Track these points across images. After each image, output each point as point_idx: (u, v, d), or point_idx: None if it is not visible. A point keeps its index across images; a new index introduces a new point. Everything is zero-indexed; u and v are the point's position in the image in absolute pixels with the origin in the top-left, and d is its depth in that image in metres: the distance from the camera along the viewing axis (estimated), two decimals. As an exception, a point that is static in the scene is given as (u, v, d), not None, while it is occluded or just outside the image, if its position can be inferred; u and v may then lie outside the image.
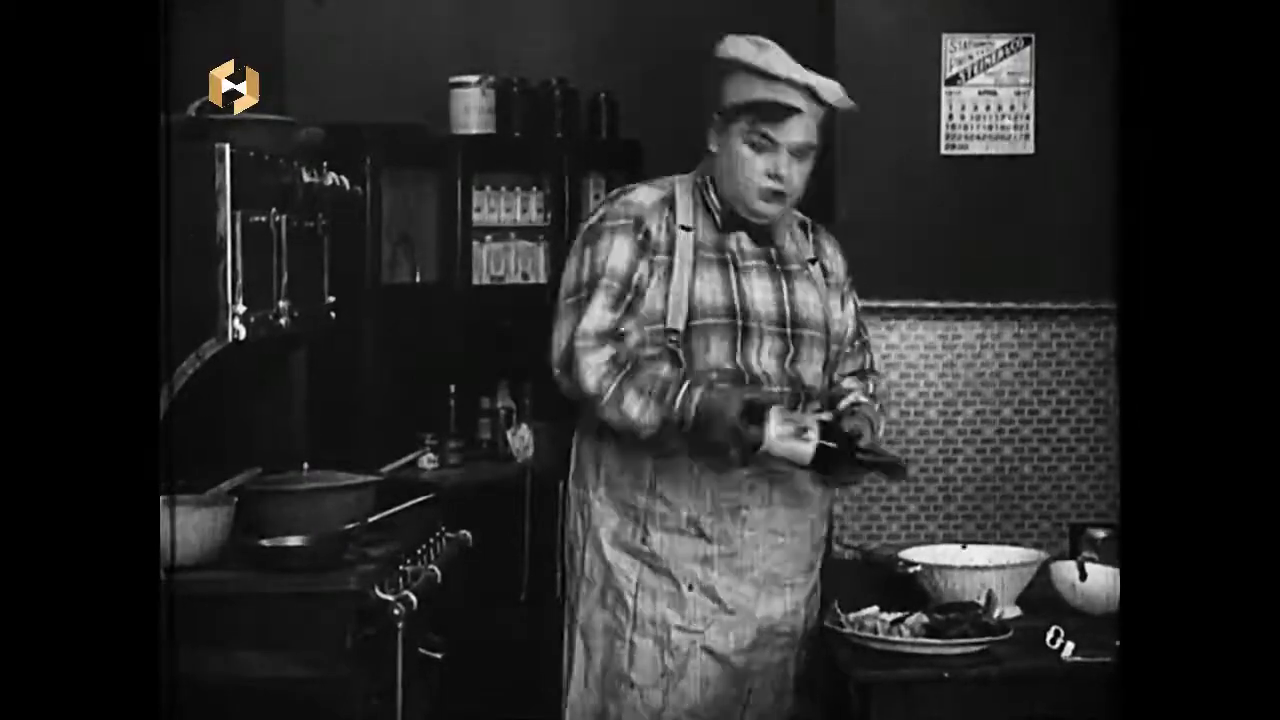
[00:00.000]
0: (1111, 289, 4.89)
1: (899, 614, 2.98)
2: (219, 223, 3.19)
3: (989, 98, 5.04)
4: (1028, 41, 5.04)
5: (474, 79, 5.59)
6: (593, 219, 3.15)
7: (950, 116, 5.04)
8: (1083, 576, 3.12)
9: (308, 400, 3.92)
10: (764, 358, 3.10)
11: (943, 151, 5.03)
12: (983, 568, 3.13)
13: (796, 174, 3.10)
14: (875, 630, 2.93)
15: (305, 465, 3.72)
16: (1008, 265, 5.02)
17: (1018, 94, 5.04)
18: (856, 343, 3.32)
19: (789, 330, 3.14)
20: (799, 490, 3.14)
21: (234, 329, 3.20)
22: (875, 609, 3.01)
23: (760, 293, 3.12)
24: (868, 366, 3.34)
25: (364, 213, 5.22)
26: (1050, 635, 2.88)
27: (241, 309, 3.21)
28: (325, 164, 3.79)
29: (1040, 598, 3.14)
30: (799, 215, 3.27)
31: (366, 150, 5.24)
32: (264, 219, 3.33)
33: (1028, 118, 5.04)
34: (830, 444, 2.96)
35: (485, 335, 5.46)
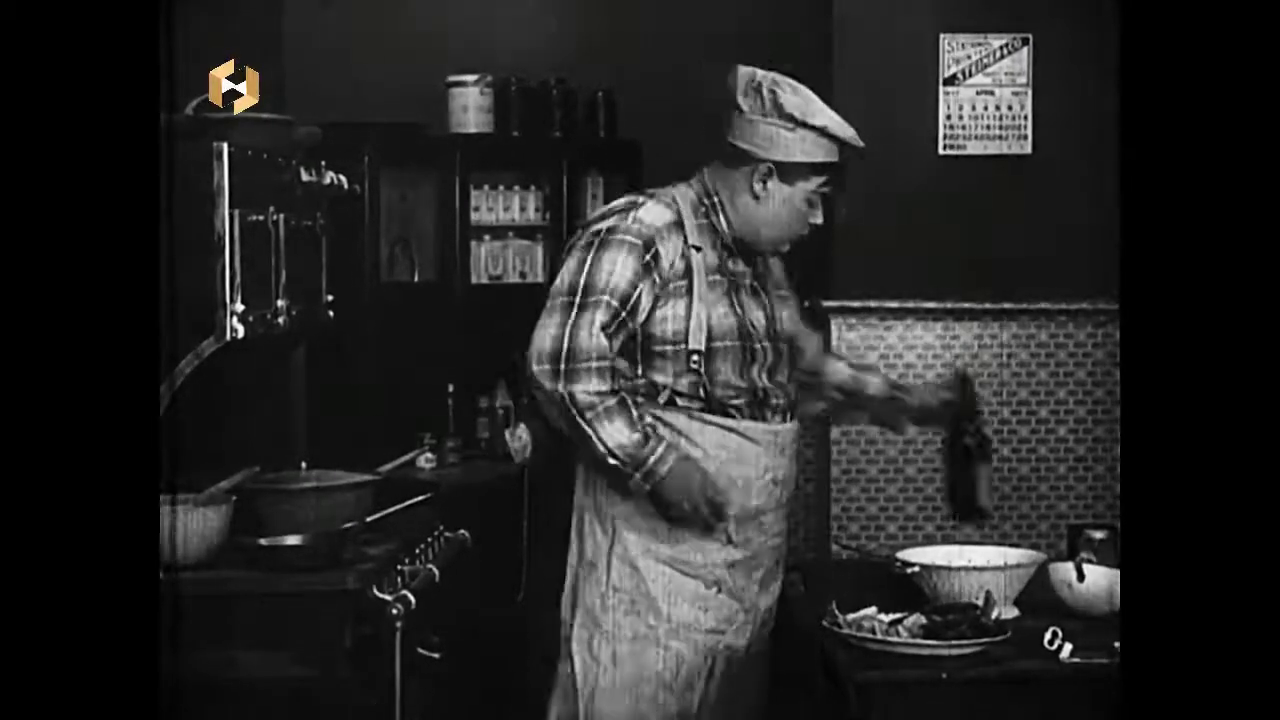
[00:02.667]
0: (1110, 289, 4.90)
1: (897, 615, 2.98)
2: (217, 221, 3.18)
3: (987, 98, 5.04)
4: (1025, 41, 5.04)
5: (472, 78, 5.59)
6: (602, 225, 3.16)
7: (948, 117, 5.04)
8: (1080, 577, 3.12)
9: (306, 399, 3.92)
10: (762, 374, 3.22)
11: (940, 151, 5.03)
12: (981, 569, 3.14)
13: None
14: (873, 631, 2.93)
15: (303, 464, 3.72)
16: (1005, 266, 5.03)
17: (1015, 94, 5.04)
18: (803, 333, 3.44)
19: (776, 345, 3.26)
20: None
21: (232, 328, 3.20)
22: (873, 610, 3.01)
23: (754, 311, 3.24)
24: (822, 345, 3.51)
25: (362, 212, 5.22)
26: (1048, 636, 2.88)
27: (240, 308, 3.21)
28: (323, 163, 3.78)
29: (1038, 599, 3.14)
30: None
31: (365, 149, 5.24)
32: (262, 218, 3.33)
33: (1025, 118, 5.04)
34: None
35: (483, 334, 5.45)
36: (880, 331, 5.03)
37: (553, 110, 5.75)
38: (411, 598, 3.20)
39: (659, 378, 3.15)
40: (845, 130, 3.19)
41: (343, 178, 3.84)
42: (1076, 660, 2.83)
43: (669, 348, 3.13)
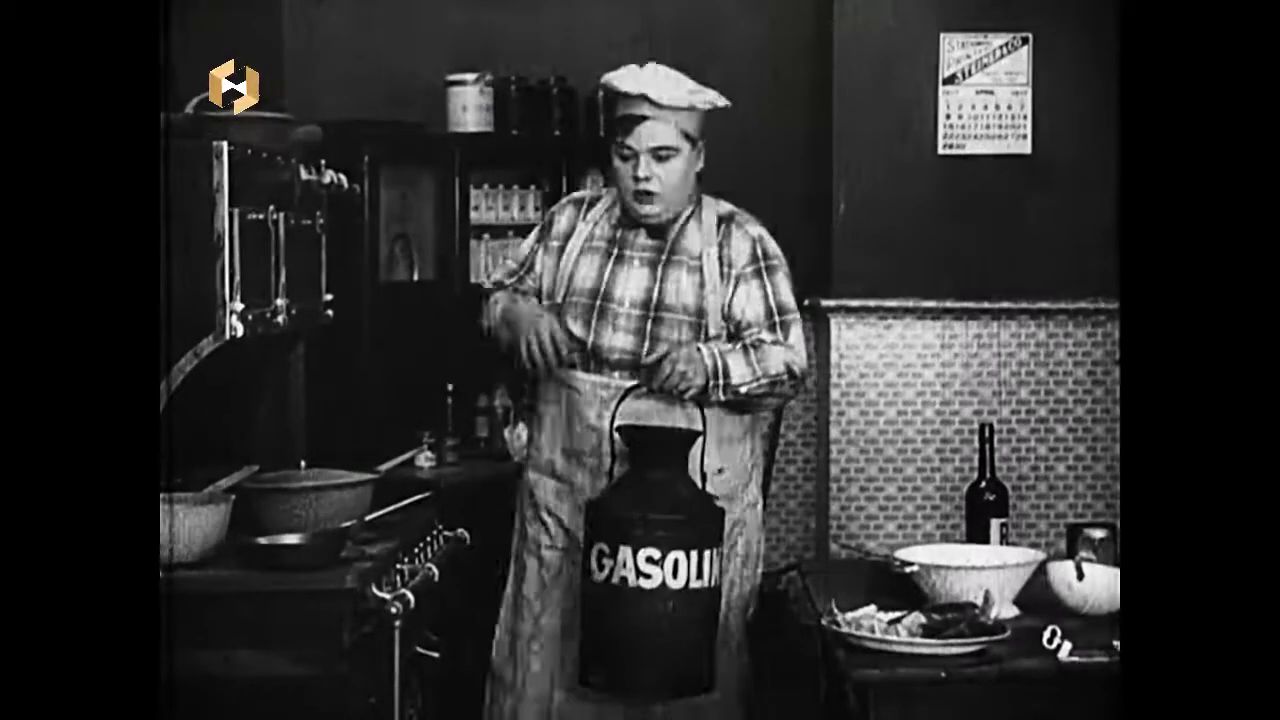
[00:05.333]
0: (1109, 289, 4.91)
1: (896, 614, 2.98)
2: (217, 220, 3.18)
3: (986, 97, 5.05)
4: (1025, 41, 5.04)
5: (471, 77, 5.59)
6: None
7: (948, 116, 5.05)
8: (1080, 576, 3.12)
9: (305, 398, 3.91)
10: (617, 335, 3.49)
11: (940, 151, 5.04)
12: (980, 568, 3.13)
13: (663, 173, 3.47)
14: (872, 630, 2.93)
15: (302, 463, 3.71)
16: (1005, 265, 5.03)
17: (1015, 93, 5.05)
18: (768, 324, 3.51)
19: (651, 314, 3.48)
20: None
21: (231, 326, 3.20)
22: (872, 609, 3.01)
23: (632, 280, 3.51)
24: (775, 339, 3.51)
25: (362, 211, 5.22)
26: (1047, 635, 2.88)
27: (239, 306, 3.21)
28: (323, 162, 3.78)
29: (1037, 598, 3.14)
30: (724, 208, 3.60)
31: (364, 148, 5.23)
32: (262, 217, 3.33)
33: (1025, 117, 5.05)
34: None
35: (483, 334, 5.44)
36: (880, 331, 5.04)
37: (552, 109, 5.75)
38: (410, 597, 3.19)
39: None
40: (614, 80, 3.49)
41: (342, 177, 3.84)
42: (1076, 659, 2.83)
43: (543, 299, 3.58)
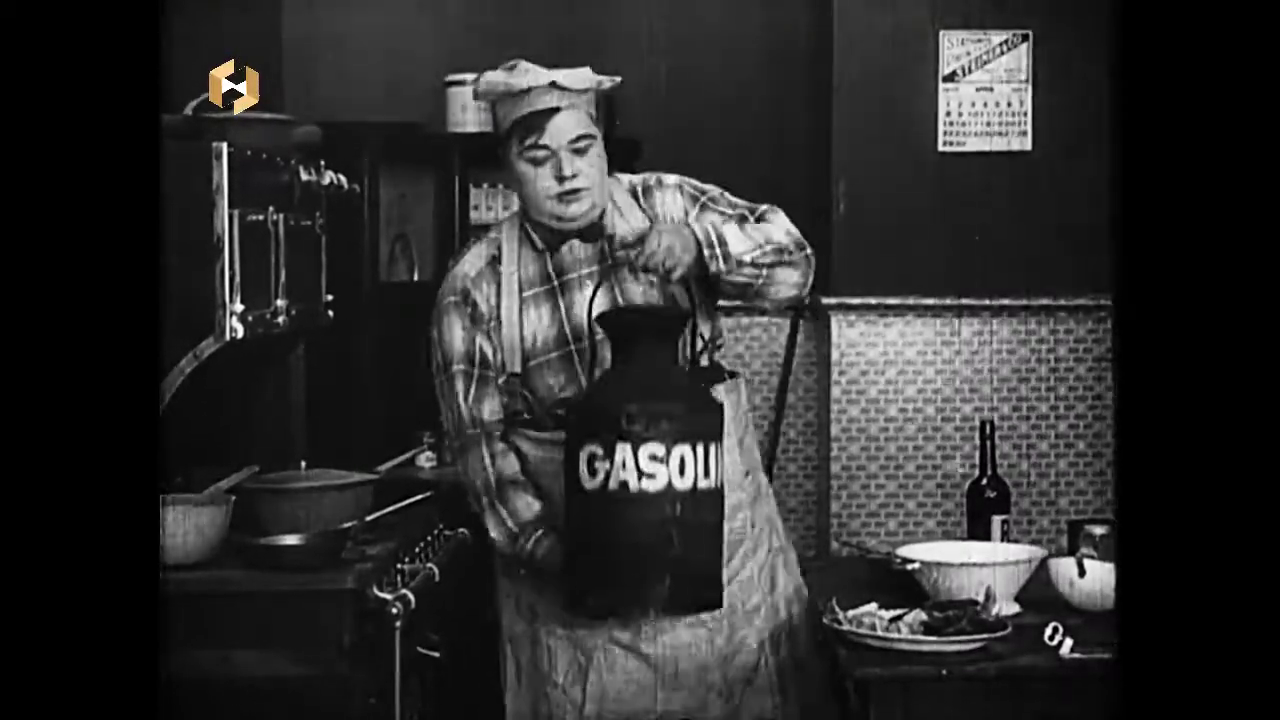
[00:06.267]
0: (1109, 284, 4.91)
1: (897, 611, 2.98)
2: (216, 221, 3.19)
3: (986, 94, 5.04)
4: (1025, 38, 5.04)
5: (471, 77, 5.54)
6: (440, 290, 3.21)
7: (948, 113, 5.04)
8: (1081, 573, 3.12)
9: (305, 399, 3.92)
10: (599, 370, 3.06)
11: (940, 148, 5.04)
12: (981, 565, 3.13)
13: (586, 166, 3.09)
14: (873, 628, 2.93)
15: (303, 464, 3.72)
16: (1005, 262, 5.03)
17: (1015, 90, 5.05)
18: (750, 212, 3.18)
19: None
20: None
21: (231, 327, 3.20)
22: (873, 606, 3.01)
23: (594, 303, 3.06)
24: (764, 213, 3.18)
25: (361, 211, 5.22)
26: (1049, 632, 2.88)
27: (239, 308, 3.21)
28: (323, 163, 3.79)
29: (1039, 595, 3.14)
30: (627, 181, 3.24)
31: (364, 149, 5.23)
32: (261, 218, 3.33)
33: (1025, 114, 5.04)
34: None
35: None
36: (880, 328, 5.04)
37: (552, 109, 5.74)
38: (411, 597, 3.20)
39: (501, 403, 3.14)
40: (506, 80, 3.08)
41: (342, 177, 3.84)
42: (1077, 656, 2.83)
43: (500, 375, 3.12)
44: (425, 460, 5.08)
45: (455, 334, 3.15)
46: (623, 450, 2.79)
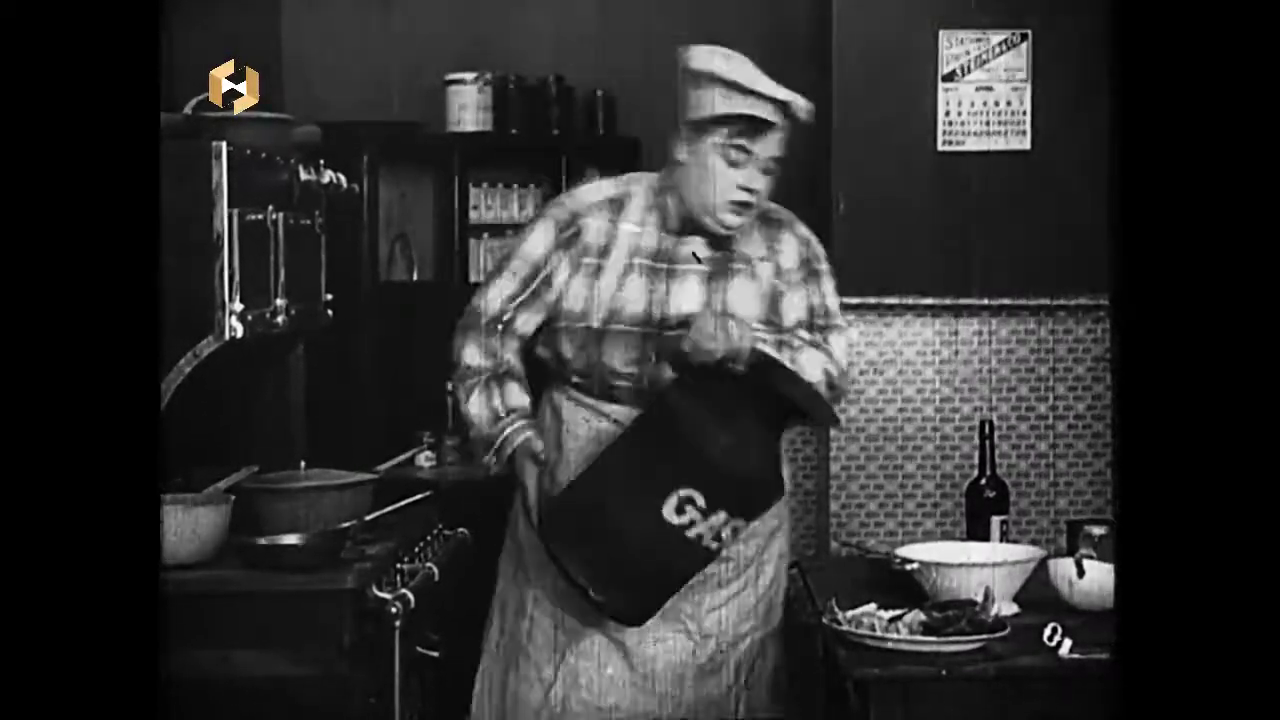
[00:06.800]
0: (1108, 284, 4.90)
1: (896, 611, 2.98)
2: (216, 221, 3.18)
3: (985, 94, 5.04)
4: (1024, 37, 5.04)
5: (470, 76, 5.59)
6: (547, 204, 3.30)
7: (947, 113, 5.04)
8: (1080, 573, 3.13)
9: (305, 398, 3.92)
10: (666, 368, 3.12)
11: (939, 148, 5.03)
12: (980, 565, 3.13)
13: (763, 187, 3.15)
14: (873, 628, 2.93)
15: (302, 463, 3.71)
16: (1005, 261, 5.03)
17: (1014, 90, 5.04)
18: (809, 326, 3.23)
19: None
20: None
21: (231, 327, 3.20)
22: (873, 606, 3.02)
23: (687, 296, 3.14)
24: (814, 340, 3.21)
25: (361, 211, 5.23)
26: (1048, 632, 2.89)
27: (238, 307, 3.21)
28: (322, 162, 3.78)
29: (1038, 595, 3.14)
30: (765, 204, 3.25)
31: (363, 148, 5.24)
32: (261, 217, 3.33)
33: (1024, 114, 5.04)
34: None
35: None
36: (879, 328, 5.04)
37: (551, 108, 5.75)
38: (411, 597, 3.19)
39: (563, 352, 3.19)
40: (734, 72, 3.08)
41: (341, 177, 3.84)
42: (1076, 656, 2.83)
43: (573, 324, 3.16)
44: (425, 460, 5.09)
45: (536, 240, 3.20)
46: (717, 518, 2.95)
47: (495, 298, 3.19)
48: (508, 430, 3.15)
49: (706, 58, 3.12)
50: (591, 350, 3.15)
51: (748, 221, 3.16)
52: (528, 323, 3.19)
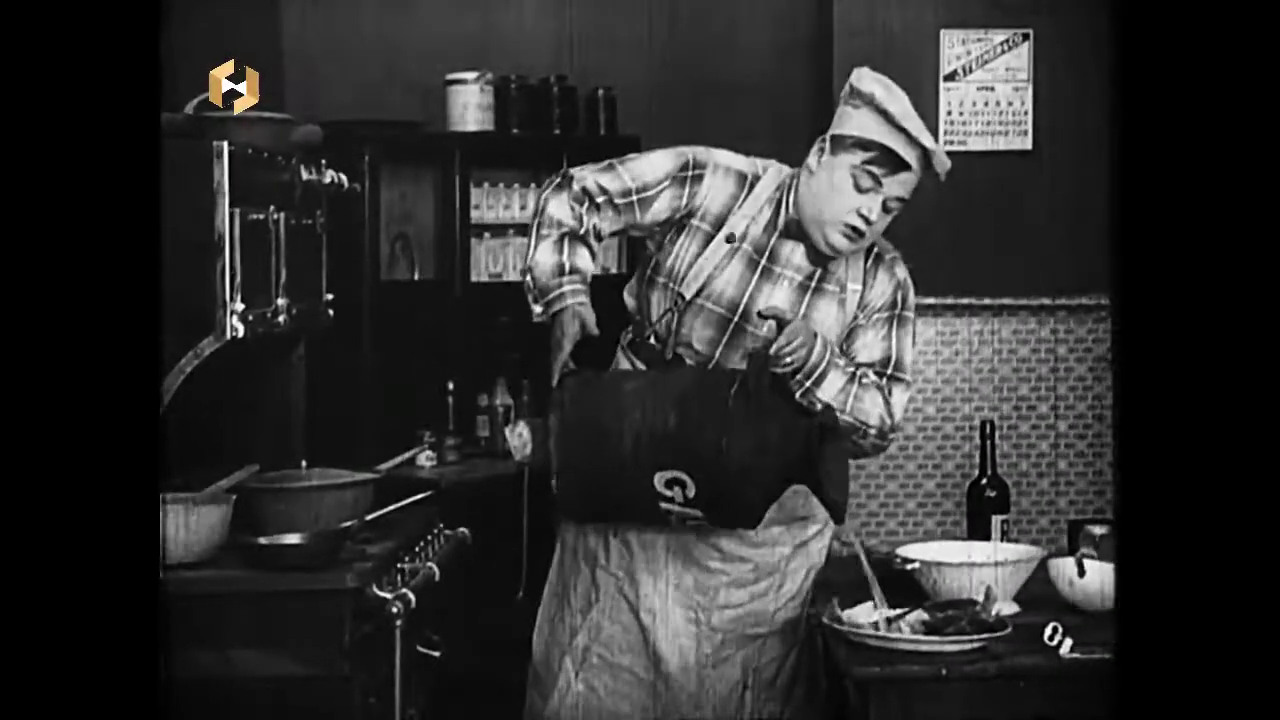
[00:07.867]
0: (1109, 284, 4.91)
1: (897, 611, 2.98)
2: (217, 220, 3.18)
3: (987, 94, 5.04)
4: (1026, 37, 5.04)
5: (471, 76, 5.59)
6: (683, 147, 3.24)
7: (948, 112, 5.04)
8: (1081, 573, 3.12)
9: (305, 398, 3.92)
10: (732, 358, 3.15)
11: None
12: (981, 564, 3.13)
13: (880, 224, 3.13)
14: (874, 628, 2.93)
15: (303, 463, 3.71)
16: (1006, 261, 5.03)
17: (1016, 90, 5.04)
18: (877, 371, 3.18)
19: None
20: None
21: (232, 327, 3.20)
22: (871, 605, 3.01)
23: (776, 301, 3.13)
24: (879, 385, 3.17)
25: (362, 210, 5.22)
26: (1048, 632, 2.88)
27: (240, 307, 3.21)
28: (323, 162, 3.78)
29: (1038, 594, 3.14)
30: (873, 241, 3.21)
31: (364, 148, 5.24)
32: (262, 217, 3.33)
33: (1026, 114, 5.04)
34: None
35: (483, 333, 5.46)
36: (880, 328, 5.03)
37: (552, 108, 5.75)
38: (411, 596, 3.19)
39: (651, 307, 3.20)
40: (891, 103, 3.05)
41: (343, 176, 3.84)
42: (1077, 656, 2.83)
43: (668, 281, 3.17)
44: (425, 459, 5.09)
45: (659, 164, 3.19)
46: (692, 512, 2.99)
47: (596, 181, 3.18)
48: (566, 287, 3.08)
49: (870, 82, 3.09)
50: (676, 317, 3.16)
51: (852, 250, 3.15)
52: (609, 220, 3.18)
